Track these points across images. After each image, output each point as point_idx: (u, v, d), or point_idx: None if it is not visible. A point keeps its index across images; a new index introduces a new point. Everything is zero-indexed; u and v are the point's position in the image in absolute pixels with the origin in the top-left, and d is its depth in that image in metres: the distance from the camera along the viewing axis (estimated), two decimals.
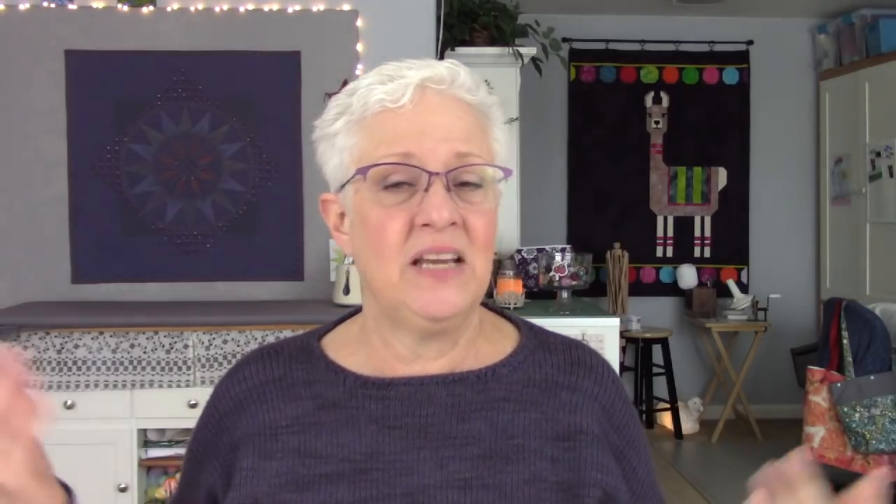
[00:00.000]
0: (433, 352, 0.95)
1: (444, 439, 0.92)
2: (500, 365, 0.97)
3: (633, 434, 1.00)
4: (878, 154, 5.21)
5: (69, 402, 3.02)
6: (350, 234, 0.96)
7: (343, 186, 0.94)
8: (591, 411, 0.96)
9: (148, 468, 3.13)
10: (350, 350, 1.00)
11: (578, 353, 1.01)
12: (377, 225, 0.90)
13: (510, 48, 4.28)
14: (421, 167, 0.89)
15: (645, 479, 1.01)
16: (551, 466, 0.92)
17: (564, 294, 3.52)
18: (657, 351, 5.55)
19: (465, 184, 0.91)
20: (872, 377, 3.99)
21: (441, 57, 4.04)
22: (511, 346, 1.01)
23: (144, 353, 3.04)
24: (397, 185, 0.90)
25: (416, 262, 0.89)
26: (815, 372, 4.18)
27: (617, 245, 5.75)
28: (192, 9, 3.65)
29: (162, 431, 3.13)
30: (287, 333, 3.01)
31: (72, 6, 3.62)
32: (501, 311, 1.07)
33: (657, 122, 5.93)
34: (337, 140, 0.94)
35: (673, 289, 5.89)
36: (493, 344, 1.00)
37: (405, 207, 0.89)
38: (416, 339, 0.94)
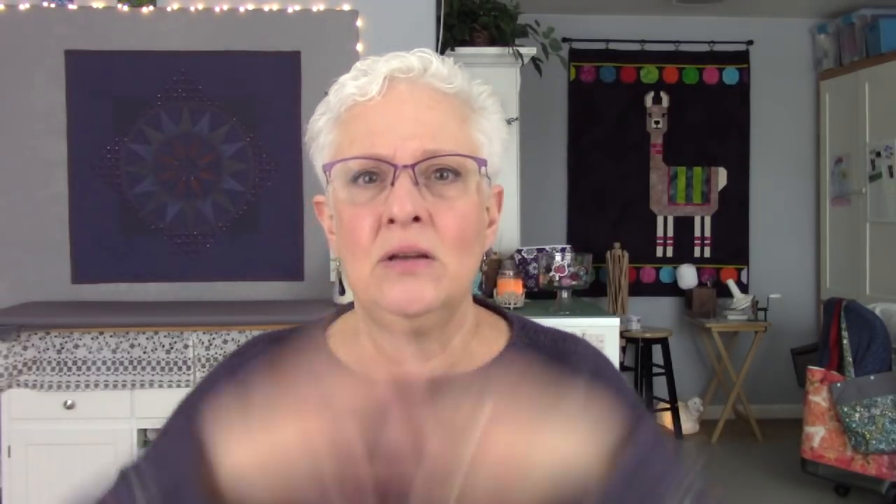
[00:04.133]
0: (421, 352, 0.93)
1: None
2: (490, 364, 0.96)
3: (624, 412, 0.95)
4: (878, 154, 5.21)
5: (69, 402, 3.02)
6: (336, 235, 0.94)
7: (327, 186, 0.93)
8: (578, 395, 0.93)
9: None
10: (349, 349, 0.99)
11: (565, 346, 1.00)
12: (348, 224, 0.88)
13: (510, 48, 4.27)
14: (387, 160, 0.86)
15: (641, 444, 0.92)
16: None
17: (564, 294, 3.52)
18: (657, 351, 5.55)
19: (440, 174, 0.88)
20: (872, 377, 3.99)
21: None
22: (503, 343, 0.99)
23: (144, 353, 3.04)
24: (367, 179, 0.87)
25: (386, 258, 0.87)
26: (815, 372, 4.18)
27: (617, 245, 5.75)
28: (192, 9, 3.65)
29: None
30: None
31: (72, 6, 3.62)
32: (498, 309, 1.05)
33: (657, 122, 5.93)
34: (320, 139, 0.93)
35: (673, 289, 5.89)
36: (486, 343, 0.98)
37: (374, 205, 0.87)
38: (398, 338, 0.92)
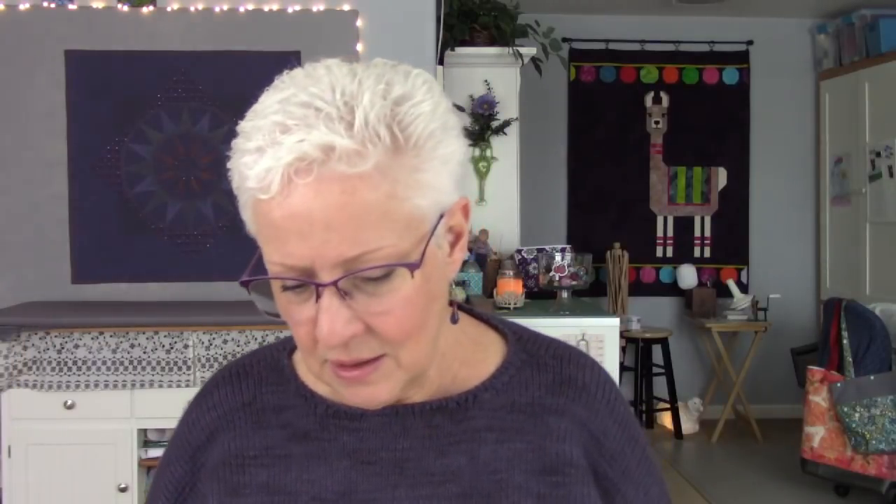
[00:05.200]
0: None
1: (422, 476, 0.84)
2: (481, 388, 0.88)
3: (629, 463, 0.90)
4: (878, 154, 5.21)
5: (69, 402, 3.02)
6: None
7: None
8: (579, 440, 0.88)
9: (148, 468, 3.13)
10: None
11: (570, 371, 0.91)
12: (287, 319, 0.80)
13: (510, 48, 4.28)
14: (306, 276, 0.75)
15: None
16: None
17: (564, 294, 3.52)
18: (657, 351, 5.55)
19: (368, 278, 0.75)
20: (872, 377, 3.99)
21: (441, 57, 4.04)
22: (495, 362, 0.90)
23: (144, 353, 3.04)
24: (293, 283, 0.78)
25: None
26: (815, 372, 4.18)
27: (617, 245, 5.76)
28: (192, 9, 3.65)
29: (162, 431, 3.13)
30: (287, 334, 3.00)
31: (72, 6, 3.62)
32: (487, 318, 0.95)
33: (657, 122, 5.93)
34: (240, 193, 0.81)
35: (673, 289, 5.89)
36: (473, 365, 0.90)
37: (306, 309, 0.77)
38: None
